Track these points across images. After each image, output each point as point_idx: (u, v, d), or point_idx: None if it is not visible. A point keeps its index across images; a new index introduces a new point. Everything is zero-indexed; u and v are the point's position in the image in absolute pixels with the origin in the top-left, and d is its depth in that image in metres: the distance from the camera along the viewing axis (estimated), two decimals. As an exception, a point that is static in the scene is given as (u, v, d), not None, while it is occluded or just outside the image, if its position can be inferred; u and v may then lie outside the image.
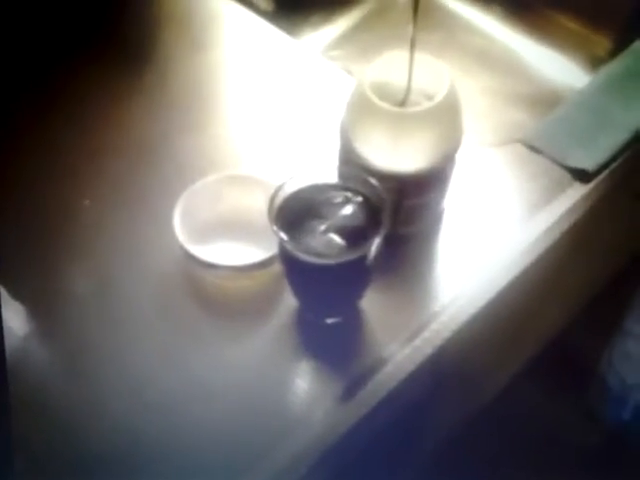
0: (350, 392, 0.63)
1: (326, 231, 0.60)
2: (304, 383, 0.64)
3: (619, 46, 0.87)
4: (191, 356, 0.65)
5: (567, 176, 0.74)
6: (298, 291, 0.66)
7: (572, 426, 1.06)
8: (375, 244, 0.60)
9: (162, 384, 0.63)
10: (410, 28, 0.63)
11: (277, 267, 0.65)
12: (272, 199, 0.60)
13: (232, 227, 0.69)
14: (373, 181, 0.61)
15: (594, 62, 0.91)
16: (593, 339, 1.10)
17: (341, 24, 0.98)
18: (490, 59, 0.94)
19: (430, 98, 0.64)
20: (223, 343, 0.65)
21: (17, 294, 0.67)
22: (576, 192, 0.73)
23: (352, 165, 0.65)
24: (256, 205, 0.63)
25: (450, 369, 0.70)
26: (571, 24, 0.93)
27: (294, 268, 0.63)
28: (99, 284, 0.69)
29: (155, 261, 0.70)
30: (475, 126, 0.69)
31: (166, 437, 0.60)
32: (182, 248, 0.66)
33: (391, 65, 0.65)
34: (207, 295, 0.69)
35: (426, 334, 0.65)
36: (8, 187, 0.73)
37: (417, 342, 0.65)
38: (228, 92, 0.84)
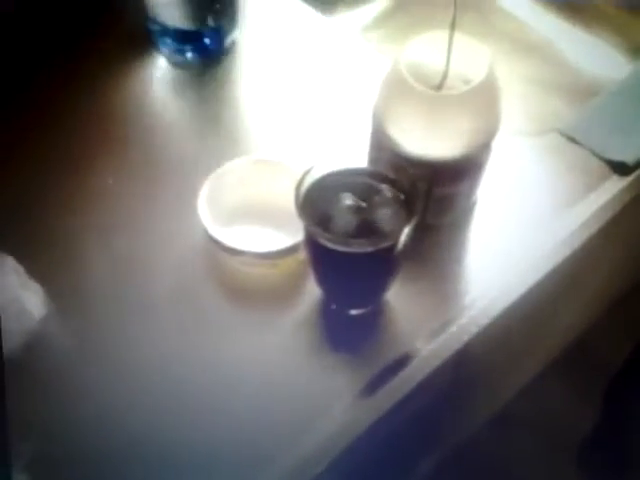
0: (373, 387, 0.58)
1: (354, 218, 0.55)
2: (325, 376, 0.60)
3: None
4: (210, 343, 0.60)
5: (605, 168, 0.68)
6: (323, 280, 0.61)
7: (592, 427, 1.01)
8: (405, 233, 0.55)
9: (180, 371, 0.59)
10: (448, 10, 0.57)
11: (302, 255, 0.61)
12: (299, 184, 0.56)
13: (257, 212, 0.65)
14: (406, 167, 0.56)
15: (635, 50, 0.85)
16: (618, 340, 1.04)
17: (377, 4, 0.93)
18: (527, 45, 0.88)
19: (468, 83, 0.58)
20: (243, 331, 0.61)
21: (36, 274, 0.63)
22: (614, 185, 0.68)
23: (383, 150, 0.60)
24: (283, 190, 0.59)
25: (476, 365, 0.65)
26: (612, 10, 0.87)
27: (319, 255, 0.58)
28: (120, 266, 0.65)
29: (178, 244, 0.65)
30: (510, 115, 0.64)
31: (183, 427, 0.56)
32: (206, 232, 0.62)
33: (429, 46, 0.60)
34: (229, 281, 0.65)
35: (453, 329, 0.60)
36: (30, 167, 0.69)
37: (443, 337, 0.60)
38: (258, 72, 0.79)
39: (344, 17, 0.93)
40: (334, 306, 0.63)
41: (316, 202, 0.56)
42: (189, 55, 0.77)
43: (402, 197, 0.56)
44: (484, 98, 0.59)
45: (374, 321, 0.62)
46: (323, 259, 0.58)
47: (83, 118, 0.73)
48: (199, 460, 0.55)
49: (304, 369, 0.60)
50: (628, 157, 0.68)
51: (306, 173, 0.56)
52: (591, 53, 0.87)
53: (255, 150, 0.70)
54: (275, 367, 0.59)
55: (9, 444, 0.50)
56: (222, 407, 0.57)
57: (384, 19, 0.93)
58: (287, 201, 0.56)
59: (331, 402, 0.58)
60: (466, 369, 0.63)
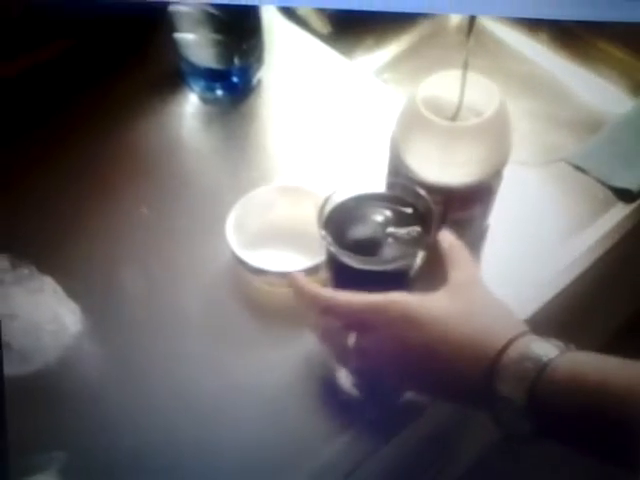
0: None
1: (372, 239, 0.55)
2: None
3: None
4: (234, 359, 0.60)
5: (611, 196, 0.69)
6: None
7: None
8: (420, 255, 0.54)
9: (206, 385, 0.59)
10: (459, 53, 0.59)
11: (322, 275, 0.61)
12: (322, 206, 0.56)
13: (281, 236, 0.65)
14: (422, 192, 0.56)
15: (637, 89, 0.86)
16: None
17: (393, 48, 0.94)
18: (535, 84, 0.89)
19: (480, 116, 0.58)
20: (267, 347, 0.61)
21: (73, 293, 0.63)
22: (620, 212, 0.68)
23: (400, 176, 0.60)
24: (305, 215, 0.60)
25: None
26: (615, 51, 0.88)
27: (339, 274, 0.58)
28: (152, 286, 0.65)
29: (207, 266, 0.66)
30: (520, 147, 0.64)
31: (208, 440, 0.56)
32: (233, 254, 0.62)
33: (443, 83, 0.61)
34: (254, 300, 0.65)
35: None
36: (69, 194, 0.70)
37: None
38: (284, 108, 0.80)
39: (362, 59, 0.95)
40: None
41: (337, 224, 0.56)
42: (218, 92, 0.79)
43: (418, 220, 0.56)
44: (495, 129, 0.59)
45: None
46: (343, 278, 0.58)
47: (120, 149, 0.74)
48: (221, 470, 0.55)
49: (323, 381, 0.59)
50: (633, 185, 0.68)
51: (328, 198, 0.57)
52: (595, 90, 0.88)
53: (279, 178, 0.71)
54: (296, 379, 0.59)
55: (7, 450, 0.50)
56: (242, 418, 0.57)
57: (399, 62, 0.95)
58: (309, 225, 0.56)
59: (349, 414, 0.57)
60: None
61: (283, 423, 0.57)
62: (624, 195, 0.68)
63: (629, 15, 0.46)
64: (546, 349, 0.49)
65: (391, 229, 0.55)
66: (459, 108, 0.61)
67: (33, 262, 0.63)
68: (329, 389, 0.59)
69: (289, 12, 0.87)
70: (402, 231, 0.55)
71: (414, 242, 0.55)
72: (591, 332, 0.82)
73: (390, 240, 0.55)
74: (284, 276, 0.62)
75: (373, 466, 0.56)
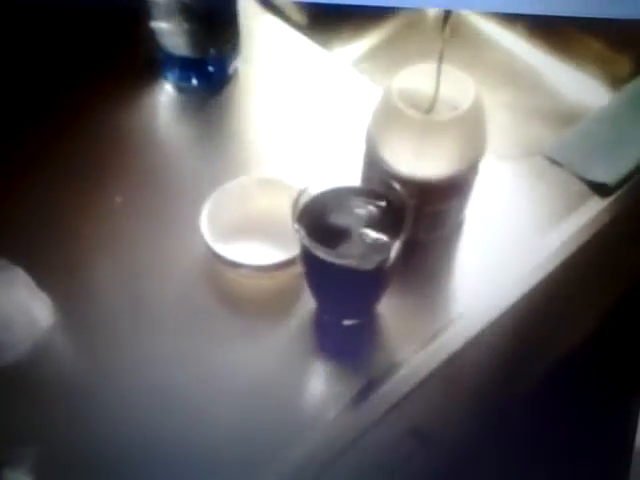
0: (364, 394, 0.58)
1: (347, 233, 0.55)
2: (319, 383, 0.60)
3: (640, 67, 0.83)
4: (209, 352, 0.60)
5: (587, 190, 0.69)
6: (317, 292, 0.61)
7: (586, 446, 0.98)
8: (395, 248, 0.55)
9: (180, 379, 0.59)
10: (437, 45, 0.58)
11: (297, 268, 0.61)
12: (296, 200, 0.56)
13: (256, 228, 0.65)
14: (397, 186, 0.56)
15: (615, 82, 0.86)
16: (606, 356, 1.03)
17: (370, 39, 0.94)
18: (513, 76, 0.89)
19: (455, 109, 0.59)
20: (241, 341, 0.61)
21: (45, 286, 0.63)
22: (596, 205, 0.68)
23: (376, 169, 0.60)
24: (280, 208, 0.59)
25: (463, 376, 0.65)
26: (594, 44, 0.88)
27: (314, 268, 0.58)
28: (126, 278, 0.65)
29: (181, 258, 0.65)
30: (497, 140, 0.64)
31: (181, 433, 0.56)
32: (207, 247, 0.62)
33: (419, 76, 0.61)
34: (229, 294, 0.64)
35: (441, 340, 0.60)
36: (42, 185, 0.69)
37: (432, 347, 0.60)
38: (261, 99, 0.79)
39: (340, 50, 0.94)
40: (327, 317, 0.62)
41: (312, 218, 0.56)
42: (194, 81, 0.78)
43: (394, 214, 0.56)
44: (471, 123, 0.59)
45: (366, 331, 0.62)
46: (317, 272, 0.58)
47: (93, 139, 0.73)
48: (197, 465, 0.55)
49: (298, 376, 0.59)
50: (608, 179, 0.68)
51: (303, 190, 0.57)
52: (573, 83, 0.88)
53: (254, 170, 0.71)
54: (270, 374, 0.59)
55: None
56: (217, 413, 0.57)
57: (376, 53, 0.94)
58: (284, 217, 0.56)
59: (324, 408, 0.57)
60: (454, 379, 0.63)
61: (256, 416, 0.57)
62: (600, 189, 0.68)
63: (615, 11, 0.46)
64: None
65: (364, 230, 0.55)
66: (434, 101, 0.61)
67: (4, 254, 0.63)
68: (302, 382, 0.59)
69: (266, 2, 0.86)
70: (373, 235, 0.55)
71: (389, 236, 0.55)
72: (564, 329, 0.82)
73: (365, 234, 0.55)
74: (258, 269, 0.62)
75: (348, 460, 0.57)
